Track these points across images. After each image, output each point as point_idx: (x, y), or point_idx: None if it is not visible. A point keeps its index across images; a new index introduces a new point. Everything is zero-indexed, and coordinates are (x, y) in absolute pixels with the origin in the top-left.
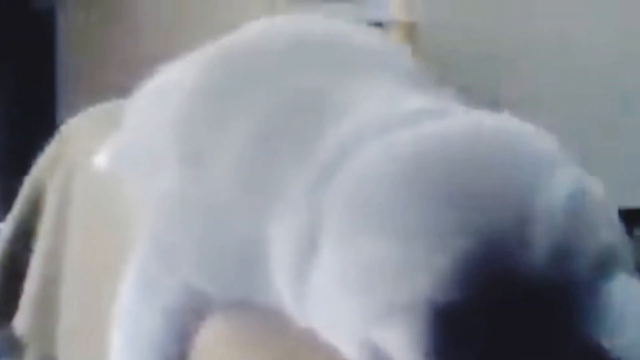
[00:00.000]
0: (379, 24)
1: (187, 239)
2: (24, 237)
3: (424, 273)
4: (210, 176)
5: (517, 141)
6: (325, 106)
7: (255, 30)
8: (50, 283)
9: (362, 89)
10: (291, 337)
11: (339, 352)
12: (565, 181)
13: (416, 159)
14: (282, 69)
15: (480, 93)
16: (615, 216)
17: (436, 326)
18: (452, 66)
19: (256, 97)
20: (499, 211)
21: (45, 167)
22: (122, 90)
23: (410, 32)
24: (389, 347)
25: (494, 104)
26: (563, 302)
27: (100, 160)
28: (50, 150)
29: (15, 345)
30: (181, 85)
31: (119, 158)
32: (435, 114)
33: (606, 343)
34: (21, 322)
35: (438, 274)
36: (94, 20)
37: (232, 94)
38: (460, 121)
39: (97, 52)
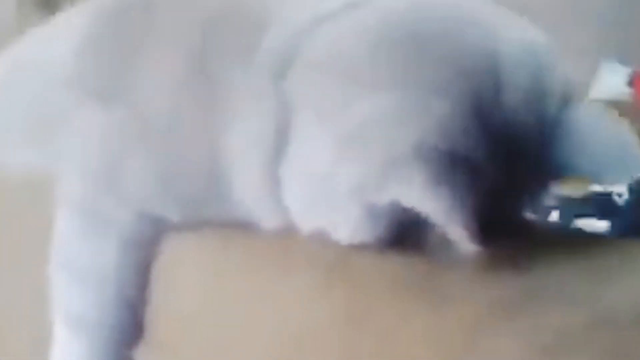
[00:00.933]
0: None
1: (142, 169)
2: None
3: (423, 120)
4: (145, 104)
5: (471, 5)
6: (254, 14)
7: None
8: None
9: None
10: (260, 240)
11: (314, 241)
12: (521, 31)
13: (389, 20)
14: None
15: None
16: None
17: (442, 168)
18: None
19: (174, 20)
20: (476, 61)
21: None
22: None
23: None
24: (405, 199)
25: None
26: (537, 136)
27: None
28: None
29: None
30: (64, 44)
31: None
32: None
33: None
34: None
35: (437, 119)
36: None
37: (141, 24)
38: None
39: None
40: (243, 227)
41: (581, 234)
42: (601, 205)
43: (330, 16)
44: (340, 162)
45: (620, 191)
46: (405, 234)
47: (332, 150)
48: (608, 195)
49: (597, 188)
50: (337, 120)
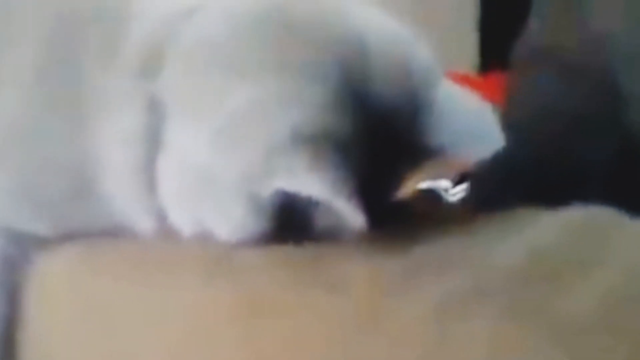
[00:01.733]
0: None
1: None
2: None
3: (297, 107)
4: (2, 110)
5: None
6: (113, 11)
7: None
8: None
9: None
10: (140, 245)
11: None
12: (384, 20)
13: (257, 9)
14: None
15: None
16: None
17: (321, 151)
18: None
19: (28, 23)
20: (345, 46)
21: None
22: None
23: None
24: (290, 184)
25: None
26: (405, 116)
27: None
28: None
29: None
30: None
31: None
32: None
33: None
34: None
35: (311, 105)
36: None
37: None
38: None
39: None
40: (117, 234)
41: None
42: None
43: (195, 8)
44: (220, 157)
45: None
46: (288, 224)
47: (209, 144)
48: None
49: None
50: (212, 113)
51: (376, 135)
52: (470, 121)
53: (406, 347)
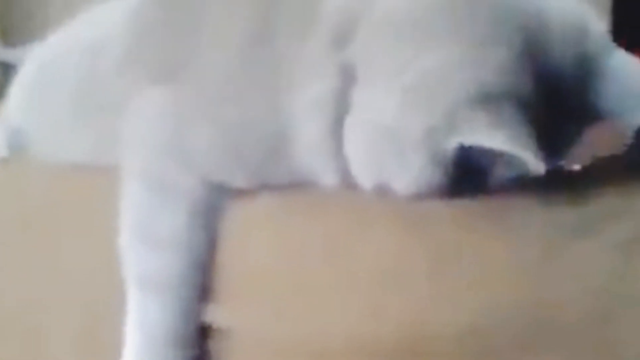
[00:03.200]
0: None
1: (206, 137)
2: None
3: (480, 68)
4: (206, 76)
5: None
6: None
7: None
8: None
9: None
10: (323, 194)
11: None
12: None
13: None
14: None
15: None
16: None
17: (501, 107)
18: None
19: None
20: (528, 14)
21: None
22: None
23: None
24: (474, 138)
25: None
26: (581, 80)
27: None
28: None
29: None
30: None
31: (15, 139)
32: None
33: (614, 107)
34: None
35: (493, 66)
36: None
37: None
38: None
39: None
40: (304, 187)
41: None
42: None
43: None
44: (408, 114)
45: None
46: (464, 177)
47: (399, 103)
48: None
49: None
50: (402, 74)
51: (552, 97)
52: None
53: (593, 277)
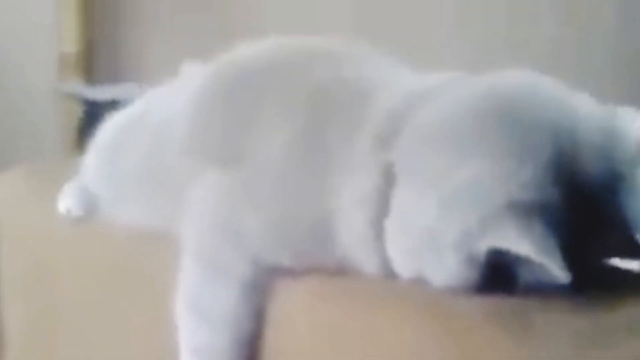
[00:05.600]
0: None
1: (257, 222)
2: None
3: (511, 182)
4: (261, 165)
5: (545, 85)
6: (356, 88)
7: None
8: None
9: (374, 73)
10: (363, 282)
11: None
12: (587, 107)
13: (485, 98)
14: (300, 67)
15: None
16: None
17: (531, 218)
18: None
19: (287, 91)
20: (556, 131)
21: None
22: None
23: None
24: (503, 244)
25: None
26: (609, 194)
27: (67, 206)
28: None
29: None
30: (179, 107)
31: (88, 201)
32: (459, 80)
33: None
34: None
35: (524, 181)
36: None
37: (251, 97)
38: (497, 77)
39: None
40: (345, 272)
41: None
42: None
43: (428, 93)
44: (445, 219)
45: None
46: (496, 277)
47: (436, 209)
48: None
49: None
50: (439, 183)
51: (582, 208)
52: None
53: None
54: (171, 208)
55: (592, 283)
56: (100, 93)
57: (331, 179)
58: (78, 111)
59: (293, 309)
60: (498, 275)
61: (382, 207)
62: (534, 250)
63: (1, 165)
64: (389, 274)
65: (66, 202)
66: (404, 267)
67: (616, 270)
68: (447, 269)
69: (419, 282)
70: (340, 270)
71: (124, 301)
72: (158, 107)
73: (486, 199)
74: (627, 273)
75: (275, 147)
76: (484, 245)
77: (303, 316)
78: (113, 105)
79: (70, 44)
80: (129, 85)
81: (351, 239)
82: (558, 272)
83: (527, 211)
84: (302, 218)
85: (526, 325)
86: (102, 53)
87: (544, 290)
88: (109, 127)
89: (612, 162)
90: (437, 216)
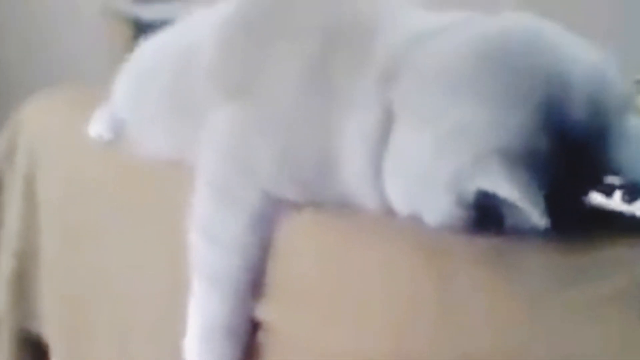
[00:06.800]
0: None
1: (266, 154)
2: None
3: (503, 126)
4: (271, 97)
5: (546, 31)
6: (364, 26)
7: None
8: (25, 260)
9: (384, 10)
10: (363, 217)
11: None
12: (583, 54)
13: (484, 42)
14: (313, 2)
15: None
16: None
17: (518, 163)
18: None
19: (302, 25)
20: (549, 79)
21: (2, 153)
22: None
23: None
24: (489, 187)
25: None
26: (597, 142)
27: (98, 130)
28: (6, 137)
29: None
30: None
31: (118, 125)
32: (465, 22)
33: (626, 165)
34: None
35: (515, 126)
36: None
37: (271, 29)
38: (501, 21)
39: None
40: (349, 207)
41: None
42: None
43: (432, 33)
44: (438, 159)
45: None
46: (485, 218)
47: (430, 149)
48: None
49: None
50: (435, 123)
51: (567, 154)
52: None
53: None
54: (191, 133)
55: (577, 224)
56: (149, 12)
57: (336, 114)
58: (127, 30)
59: (297, 239)
60: (487, 216)
61: (382, 144)
62: (517, 195)
63: (50, 84)
64: (387, 210)
65: (97, 126)
66: (401, 205)
67: (601, 211)
68: (439, 208)
69: (416, 220)
70: (343, 205)
71: (144, 224)
72: (190, 31)
73: (477, 142)
74: (610, 213)
75: (286, 81)
76: (473, 187)
77: (307, 246)
78: (162, 24)
79: None
80: (178, 4)
81: (352, 174)
82: (537, 217)
83: (514, 156)
84: (307, 151)
85: (511, 264)
86: None
87: (530, 231)
88: (140, 52)
89: (600, 111)
90: (431, 156)
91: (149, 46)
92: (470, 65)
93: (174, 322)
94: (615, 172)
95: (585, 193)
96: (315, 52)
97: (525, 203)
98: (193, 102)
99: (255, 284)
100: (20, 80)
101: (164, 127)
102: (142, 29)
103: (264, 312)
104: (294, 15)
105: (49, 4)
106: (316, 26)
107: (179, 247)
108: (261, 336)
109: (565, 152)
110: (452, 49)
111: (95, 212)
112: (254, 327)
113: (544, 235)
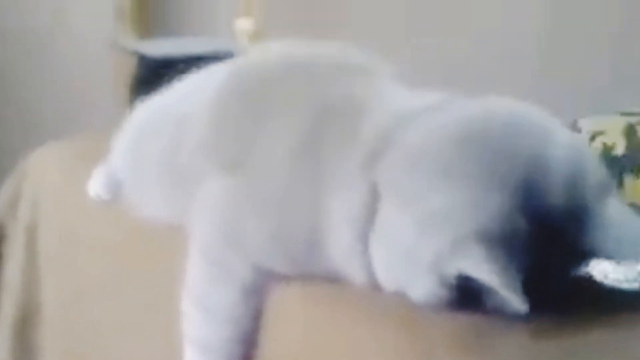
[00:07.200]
0: None
1: (257, 230)
2: None
3: (482, 209)
4: (262, 173)
5: (528, 114)
6: (354, 106)
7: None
8: (28, 311)
9: (374, 91)
10: (351, 292)
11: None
12: (564, 137)
13: (467, 125)
14: (307, 80)
15: None
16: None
17: (497, 248)
18: None
19: (295, 102)
20: (529, 162)
21: (6, 203)
22: None
23: None
24: (469, 271)
25: None
26: (575, 225)
27: (97, 190)
28: (10, 187)
29: None
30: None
31: (116, 186)
32: (450, 103)
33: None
34: None
35: (493, 209)
36: None
37: (264, 105)
38: (484, 103)
39: None
40: (336, 282)
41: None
42: None
43: (418, 113)
44: (420, 241)
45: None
46: (467, 299)
47: (413, 230)
48: None
49: None
50: (418, 206)
51: (545, 237)
52: (632, 235)
53: None
54: (184, 203)
55: (561, 305)
56: (154, 48)
57: (324, 192)
58: (132, 66)
59: (287, 312)
60: (469, 297)
61: (368, 223)
62: (495, 280)
63: (55, 119)
64: (374, 285)
65: (96, 186)
66: (387, 281)
67: (589, 287)
68: (423, 287)
69: (401, 296)
70: (331, 280)
71: (142, 285)
72: (184, 98)
73: (457, 225)
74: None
75: (278, 157)
76: (453, 269)
77: (296, 319)
78: (166, 61)
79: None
80: (182, 41)
81: (340, 251)
82: (516, 303)
83: (492, 240)
84: (297, 229)
85: (488, 346)
86: (157, 6)
87: (510, 313)
88: (141, 110)
89: (577, 194)
90: (414, 237)
91: (148, 107)
92: (451, 148)
93: None
94: (594, 255)
95: (566, 275)
96: (306, 129)
97: (503, 289)
98: (184, 174)
99: (246, 356)
100: (27, 112)
101: (162, 193)
102: (147, 65)
103: None
104: (288, 90)
105: (55, 39)
106: (309, 103)
107: (175, 310)
108: None
109: (543, 235)
110: (435, 131)
111: (94, 269)
112: None
113: (529, 316)
